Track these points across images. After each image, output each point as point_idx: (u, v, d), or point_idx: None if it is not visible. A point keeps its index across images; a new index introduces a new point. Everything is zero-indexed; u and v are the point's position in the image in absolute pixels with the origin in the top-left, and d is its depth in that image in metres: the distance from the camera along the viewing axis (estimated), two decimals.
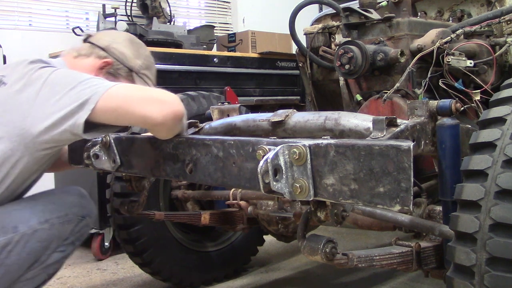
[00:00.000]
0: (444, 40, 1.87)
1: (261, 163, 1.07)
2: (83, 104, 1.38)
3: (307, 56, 2.46)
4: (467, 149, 1.19)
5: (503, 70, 2.10)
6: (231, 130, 1.94)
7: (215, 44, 4.36)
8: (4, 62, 3.47)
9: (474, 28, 1.95)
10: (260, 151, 1.10)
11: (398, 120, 1.33)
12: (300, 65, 2.55)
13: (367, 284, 2.54)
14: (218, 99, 2.52)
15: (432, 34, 1.92)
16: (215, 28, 4.59)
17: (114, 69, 1.70)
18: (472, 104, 1.86)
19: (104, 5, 3.71)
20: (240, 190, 2.09)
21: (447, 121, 1.39)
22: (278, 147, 1.07)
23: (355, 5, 2.12)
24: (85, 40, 1.76)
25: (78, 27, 3.34)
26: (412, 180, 0.93)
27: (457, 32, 1.92)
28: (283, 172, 1.07)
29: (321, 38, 2.43)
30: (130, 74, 1.73)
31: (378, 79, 2.02)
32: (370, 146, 0.98)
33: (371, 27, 2.06)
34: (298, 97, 4.01)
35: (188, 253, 2.42)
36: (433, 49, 1.85)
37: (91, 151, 1.71)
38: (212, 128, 2.02)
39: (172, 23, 4.23)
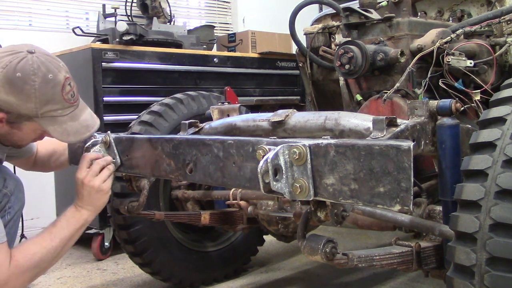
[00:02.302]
0: (444, 40, 1.87)
1: (261, 163, 1.07)
2: None
3: (307, 56, 2.46)
4: (467, 149, 1.19)
5: (503, 70, 2.10)
6: (231, 130, 1.95)
7: (215, 44, 4.36)
8: None
9: (474, 28, 1.95)
10: (260, 151, 1.10)
11: (398, 120, 1.33)
12: (300, 65, 2.55)
13: (367, 284, 2.54)
14: (218, 99, 2.52)
15: (432, 34, 1.92)
16: (215, 28, 4.59)
17: (13, 120, 1.49)
18: (472, 104, 1.86)
19: (104, 5, 3.71)
20: (240, 190, 2.09)
21: (447, 121, 1.39)
22: (278, 147, 1.07)
23: (355, 5, 2.12)
24: None
25: (78, 27, 3.34)
26: (412, 180, 0.93)
27: (457, 32, 1.92)
28: (283, 172, 1.07)
29: (321, 38, 2.43)
30: (32, 119, 1.49)
31: (378, 79, 2.02)
32: (370, 146, 0.98)
33: (371, 27, 2.06)
34: (298, 97, 4.01)
35: (188, 253, 2.42)
36: (433, 49, 1.85)
37: (91, 151, 1.71)
38: (212, 128, 2.02)
39: (172, 23, 4.23)
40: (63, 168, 2.09)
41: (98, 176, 1.62)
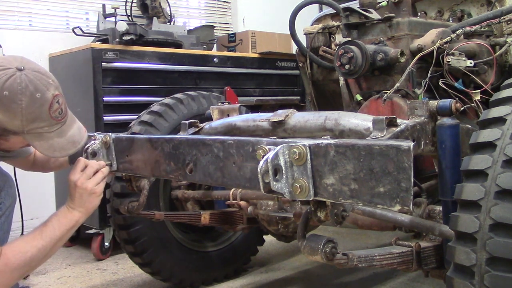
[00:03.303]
0: (444, 40, 1.87)
1: (261, 163, 1.07)
2: None
3: (307, 56, 2.46)
4: (467, 149, 1.19)
5: (503, 70, 2.10)
6: (231, 130, 1.95)
7: (215, 44, 4.36)
8: None
9: (474, 28, 1.96)
10: (260, 151, 1.10)
11: (398, 120, 1.33)
12: (300, 65, 2.55)
13: (367, 284, 2.54)
14: (218, 99, 2.52)
15: (432, 34, 1.92)
16: (215, 28, 4.59)
17: (1, 131, 1.49)
18: (472, 104, 1.86)
19: (104, 5, 3.70)
20: (240, 190, 2.09)
21: (447, 121, 1.39)
22: (278, 147, 1.07)
23: (355, 5, 2.12)
24: None
25: (78, 27, 3.33)
26: (412, 180, 0.93)
27: (457, 32, 1.92)
28: (283, 172, 1.07)
29: (321, 38, 2.43)
30: (19, 135, 1.50)
31: (378, 79, 2.02)
32: (370, 146, 0.98)
33: (371, 27, 2.06)
34: (298, 97, 4.01)
35: (188, 253, 2.42)
36: (433, 49, 1.85)
37: (90, 148, 1.71)
38: (212, 128, 2.02)
39: (172, 23, 4.23)
40: (62, 169, 2.09)
41: (91, 179, 1.62)
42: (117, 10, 3.60)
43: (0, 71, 1.44)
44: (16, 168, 2.25)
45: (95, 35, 3.47)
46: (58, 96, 1.52)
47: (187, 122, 2.06)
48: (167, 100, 2.40)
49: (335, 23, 2.43)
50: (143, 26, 3.54)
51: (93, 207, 1.64)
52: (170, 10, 4.27)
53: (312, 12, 3.79)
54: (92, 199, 1.62)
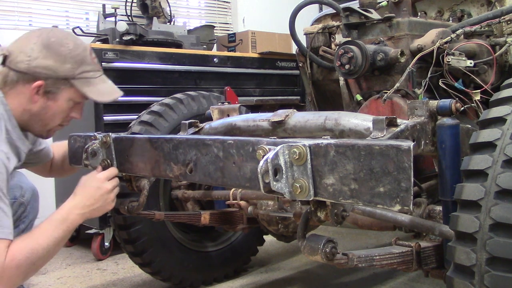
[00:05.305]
0: (444, 40, 1.87)
1: (261, 163, 1.07)
2: None
3: (307, 56, 2.46)
4: (467, 149, 1.19)
5: (503, 70, 2.10)
6: (231, 130, 1.95)
7: (215, 44, 4.36)
8: None
9: (474, 28, 1.95)
10: (260, 151, 1.10)
11: (398, 120, 1.33)
12: (300, 65, 2.55)
13: (367, 284, 2.54)
14: (218, 99, 2.52)
15: (432, 34, 1.92)
16: (215, 28, 4.59)
17: (50, 87, 1.58)
18: (472, 104, 1.86)
19: (104, 5, 3.71)
20: (240, 190, 2.09)
21: (447, 121, 1.39)
22: (278, 147, 1.07)
23: (355, 5, 2.12)
24: (3, 63, 1.60)
25: (78, 27, 3.33)
26: (412, 180, 0.93)
27: (457, 32, 1.92)
28: (283, 172, 1.07)
29: (321, 38, 2.43)
30: (68, 82, 1.60)
31: (378, 79, 2.02)
32: (370, 146, 0.98)
33: (371, 27, 2.06)
34: (298, 97, 4.01)
35: (188, 253, 2.42)
36: (433, 49, 1.85)
37: (90, 148, 1.71)
38: (212, 128, 2.02)
39: (172, 23, 4.23)
40: (76, 171, 2.08)
41: (110, 181, 1.64)
42: (117, 10, 3.60)
43: (40, 30, 1.63)
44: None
45: (95, 35, 3.47)
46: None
47: (187, 122, 2.06)
48: (167, 100, 2.40)
49: (335, 23, 2.43)
50: (143, 26, 3.54)
51: (97, 215, 1.64)
52: (170, 10, 4.27)
53: (312, 12, 3.79)
54: (103, 209, 1.63)
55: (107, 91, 1.69)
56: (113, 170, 1.65)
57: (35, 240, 1.48)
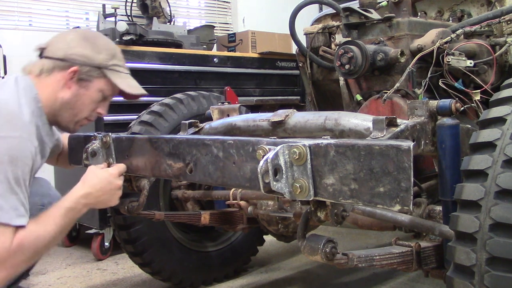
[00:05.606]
0: (444, 40, 1.87)
1: (261, 163, 1.07)
2: None
3: (307, 56, 2.46)
4: (467, 149, 1.19)
5: (503, 70, 2.10)
6: (231, 130, 1.95)
7: (215, 44, 4.36)
8: (4, 62, 3.47)
9: (474, 28, 1.95)
10: (260, 151, 1.10)
11: (398, 120, 1.33)
12: (300, 65, 2.55)
13: (367, 284, 2.54)
14: (218, 99, 2.52)
15: (432, 34, 1.92)
16: (215, 28, 4.59)
17: (84, 74, 1.66)
18: (472, 104, 1.86)
19: (104, 5, 3.71)
20: (240, 190, 2.09)
21: (447, 121, 1.39)
22: (278, 147, 1.07)
23: (355, 5, 2.12)
24: (40, 55, 1.70)
25: (78, 27, 3.34)
26: (412, 180, 0.93)
27: (457, 32, 1.92)
28: (283, 172, 1.07)
29: (321, 38, 2.43)
30: (101, 72, 1.69)
31: (378, 79, 2.02)
32: (370, 146, 0.98)
33: (371, 27, 2.06)
34: (298, 97, 4.01)
35: (188, 253, 2.42)
36: (433, 49, 1.85)
37: (90, 148, 1.71)
38: (212, 128, 2.02)
39: (172, 23, 4.23)
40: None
41: (120, 189, 1.67)
42: (117, 10, 3.60)
43: (74, 29, 1.79)
44: None
45: None
46: None
47: (187, 122, 2.06)
48: (167, 100, 2.40)
49: (335, 23, 2.43)
50: (143, 26, 3.54)
51: (101, 206, 1.67)
52: (170, 10, 4.27)
53: (312, 12, 3.79)
54: (108, 202, 1.65)
55: (135, 85, 1.79)
56: (123, 167, 1.67)
57: (43, 227, 1.49)
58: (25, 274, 1.89)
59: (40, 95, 1.62)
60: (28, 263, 1.49)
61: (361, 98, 2.08)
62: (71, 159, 1.90)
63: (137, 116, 2.37)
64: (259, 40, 4.26)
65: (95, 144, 1.72)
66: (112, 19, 3.58)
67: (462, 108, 1.46)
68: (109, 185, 1.63)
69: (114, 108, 3.08)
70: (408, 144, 0.94)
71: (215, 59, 3.63)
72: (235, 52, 4.19)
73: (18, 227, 1.43)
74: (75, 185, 1.65)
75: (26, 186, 1.48)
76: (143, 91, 1.84)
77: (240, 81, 3.75)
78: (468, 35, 1.99)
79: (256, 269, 2.79)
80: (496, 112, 1.16)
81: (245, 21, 5.12)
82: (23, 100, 1.56)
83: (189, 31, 4.11)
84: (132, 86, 1.78)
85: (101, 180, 1.63)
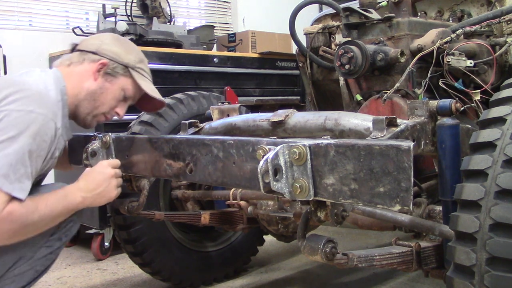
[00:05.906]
0: (444, 40, 1.87)
1: (261, 163, 1.07)
2: None
3: (307, 56, 2.46)
4: (467, 149, 1.19)
5: (503, 70, 2.10)
6: (231, 130, 1.95)
7: (215, 44, 4.36)
8: (4, 62, 3.47)
9: (474, 28, 1.95)
10: (260, 151, 1.10)
11: (398, 120, 1.33)
12: (300, 65, 2.55)
13: (367, 284, 2.54)
14: (218, 99, 2.51)
15: (432, 34, 1.92)
16: (215, 28, 4.59)
17: (111, 69, 1.72)
18: (472, 104, 1.86)
19: (104, 5, 3.71)
20: (240, 190, 2.09)
21: (447, 121, 1.39)
22: (278, 147, 1.07)
23: (355, 5, 2.12)
24: (73, 50, 1.77)
25: (78, 27, 3.34)
26: (412, 180, 0.93)
27: (457, 32, 1.92)
28: (283, 172, 1.07)
29: (321, 38, 2.43)
30: (127, 71, 1.75)
31: (378, 79, 2.02)
32: (370, 146, 0.98)
33: (371, 27, 2.06)
34: (298, 97, 4.01)
35: (188, 253, 2.42)
36: (433, 49, 1.85)
37: (90, 149, 1.71)
38: (212, 128, 2.02)
39: (172, 23, 4.23)
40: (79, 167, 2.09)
41: (114, 178, 1.67)
42: (117, 10, 3.61)
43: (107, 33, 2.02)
44: None
45: None
46: None
47: (187, 122, 2.06)
48: (167, 100, 2.40)
49: (335, 23, 2.43)
50: (143, 26, 3.54)
51: (99, 204, 1.68)
52: (170, 10, 4.27)
53: (312, 12, 3.79)
54: (103, 198, 1.66)
55: (157, 92, 1.85)
56: (116, 160, 1.69)
57: (35, 204, 1.49)
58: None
59: (67, 87, 1.67)
60: (12, 236, 1.48)
61: (361, 98, 2.08)
62: (71, 159, 1.90)
63: (137, 116, 2.36)
64: (259, 40, 4.26)
65: (95, 144, 1.72)
66: (112, 19, 3.58)
67: (462, 108, 1.46)
68: (101, 175, 1.63)
69: None
70: (408, 144, 0.94)
71: (215, 59, 3.63)
72: (235, 52, 4.19)
73: (15, 198, 1.43)
74: None
75: (37, 162, 1.50)
76: (163, 99, 1.90)
77: (240, 81, 3.75)
78: (468, 35, 1.99)
79: (256, 269, 2.79)
80: (496, 112, 1.16)
81: (245, 21, 5.12)
82: (51, 86, 1.62)
83: (189, 31, 4.12)
84: (154, 91, 1.83)
85: (92, 172, 1.65)
